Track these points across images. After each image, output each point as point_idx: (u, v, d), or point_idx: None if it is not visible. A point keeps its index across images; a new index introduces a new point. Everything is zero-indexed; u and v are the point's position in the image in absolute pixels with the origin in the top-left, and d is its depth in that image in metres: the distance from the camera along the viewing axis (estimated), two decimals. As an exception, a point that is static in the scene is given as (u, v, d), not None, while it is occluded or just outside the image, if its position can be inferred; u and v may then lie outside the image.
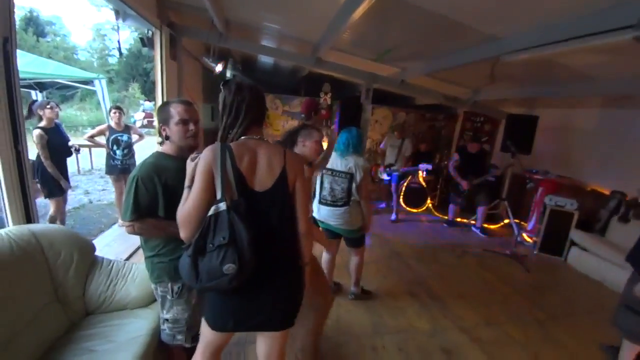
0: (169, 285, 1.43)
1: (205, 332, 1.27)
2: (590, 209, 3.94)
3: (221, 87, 1.21)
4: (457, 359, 2.18)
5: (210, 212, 1.07)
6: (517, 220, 4.23)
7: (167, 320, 1.49)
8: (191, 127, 1.43)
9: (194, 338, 1.50)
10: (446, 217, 4.99)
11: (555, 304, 2.95)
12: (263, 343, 1.34)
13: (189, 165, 1.18)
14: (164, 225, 1.37)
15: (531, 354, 2.27)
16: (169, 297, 1.45)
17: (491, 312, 2.74)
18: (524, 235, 4.42)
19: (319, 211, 2.50)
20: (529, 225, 4.51)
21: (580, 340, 2.45)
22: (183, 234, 1.11)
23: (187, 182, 1.17)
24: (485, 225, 4.74)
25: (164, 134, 1.46)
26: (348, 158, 2.38)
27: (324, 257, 2.67)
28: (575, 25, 2.05)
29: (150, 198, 1.35)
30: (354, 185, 2.36)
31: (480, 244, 4.22)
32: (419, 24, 2.71)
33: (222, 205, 1.07)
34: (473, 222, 4.81)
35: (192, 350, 1.37)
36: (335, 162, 2.41)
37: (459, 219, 4.97)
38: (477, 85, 4.71)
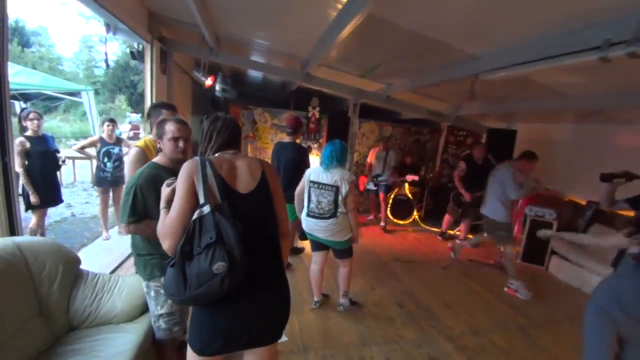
0: (162, 279, 1.47)
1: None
2: (568, 218, 4.11)
3: (204, 120, 1.35)
4: (444, 367, 2.21)
5: (195, 217, 1.08)
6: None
7: (161, 315, 1.59)
8: (180, 144, 1.60)
9: (185, 330, 1.63)
10: (434, 229, 5.05)
11: (538, 312, 3.02)
12: None
13: (164, 190, 1.24)
14: None
15: (516, 361, 2.32)
16: (162, 290, 1.54)
17: (476, 320, 2.79)
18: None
19: (306, 223, 2.54)
20: (512, 236, 4.63)
21: (563, 346, 2.51)
22: (167, 244, 1.10)
23: (162, 204, 1.22)
24: (470, 236, 4.82)
25: (158, 146, 1.64)
26: (333, 171, 2.44)
27: (312, 269, 2.69)
28: (547, 46, 2.21)
29: (146, 204, 1.48)
30: (340, 197, 2.41)
31: (465, 255, 4.30)
32: (402, 43, 2.86)
33: (206, 209, 1.08)
34: (458, 232, 4.90)
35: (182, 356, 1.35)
36: (321, 175, 2.46)
37: (451, 231, 5.01)
38: (458, 101, 4.92)
